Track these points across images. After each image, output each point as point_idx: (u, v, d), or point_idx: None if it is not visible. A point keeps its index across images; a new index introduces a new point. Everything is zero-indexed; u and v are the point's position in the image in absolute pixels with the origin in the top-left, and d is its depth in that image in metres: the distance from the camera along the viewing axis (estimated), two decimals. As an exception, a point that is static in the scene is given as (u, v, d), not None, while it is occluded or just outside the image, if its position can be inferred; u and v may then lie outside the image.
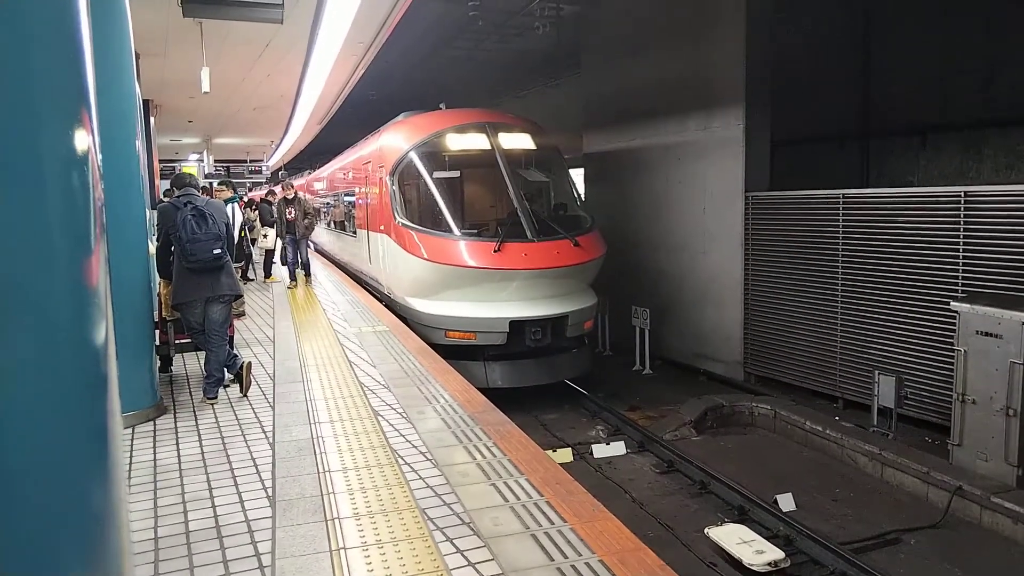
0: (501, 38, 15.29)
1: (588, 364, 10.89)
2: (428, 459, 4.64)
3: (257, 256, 15.15)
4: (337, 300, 11.90)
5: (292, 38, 9.42)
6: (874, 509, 6.97)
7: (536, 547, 3.40)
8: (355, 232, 14.97)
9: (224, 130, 20.20)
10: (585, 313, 10.36)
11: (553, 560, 3.28)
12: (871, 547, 6.24)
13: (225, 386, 6.45)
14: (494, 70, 18.61)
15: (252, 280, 14.47)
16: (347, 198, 16.72)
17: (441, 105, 12.05)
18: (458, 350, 9.67)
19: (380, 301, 11.82)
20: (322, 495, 4.09)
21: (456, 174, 10.90)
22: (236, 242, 9.53)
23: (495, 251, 9.56)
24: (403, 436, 5.10)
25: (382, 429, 5.26)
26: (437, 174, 10.58)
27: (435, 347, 8.28)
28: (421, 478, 4.32)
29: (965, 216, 7.96)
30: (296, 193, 13.22)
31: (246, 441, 5.14)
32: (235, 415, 5.78)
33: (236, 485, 4.31)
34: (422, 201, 10.86)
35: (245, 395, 6.31)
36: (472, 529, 3.62)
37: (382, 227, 11.46)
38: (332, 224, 19.48)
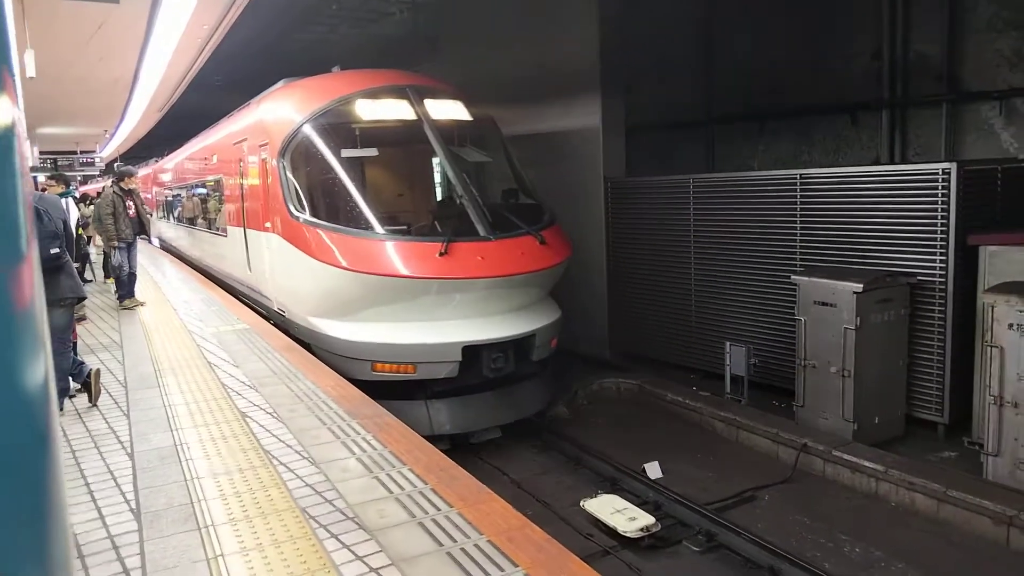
0: (356, 23, 14.93)
1: (551, 393, 8.83)
2: (305, 458, 4.50)
3: (96, 255, 14.04)
4: (189, 298, 11.24)
5: (129, 19, 8.73)
6: (732, 470, 7.47)
7: (424, 534, 3.40)
8: (224, 230, 12.16)
9: (51, 119, 18.46)
10: (553, 329, 8.35)
11: (443, 545, 3.28)
12: (731, 505, 6.70)
13: (71, 396, 5.95)
14: (349, 55, 18.12)
15: (91, 281, 13.41)
16: (201, 190, 14.39)
17: (334, 68, 9.67)
18: (390, 387, 7.44)
19: (267, 320, 9.38)
20: (192, 503, 3.87)
21: (372, 152, 8.50)
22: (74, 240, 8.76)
23: (441, 254, 7.34)
24: (275, 436, 4.92)
25: (252, 431, 5.05)
26: (346, 152, 8.20)
27: (357, 383, 6.29)
28: (299, 477, 4.19)
29: (801, 196, 8.66)
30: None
31: (100, 453, 4.77)
32: (85, 427, 5.34)
33: (94, 500, 3.99)
34: (327, 189, 8.40)
35: (95, 404, 5.84)
36: (357, 523, 3.56)
37: (267, 224, 8.97)
38: (189, 220, 16.76)
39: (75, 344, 6.44)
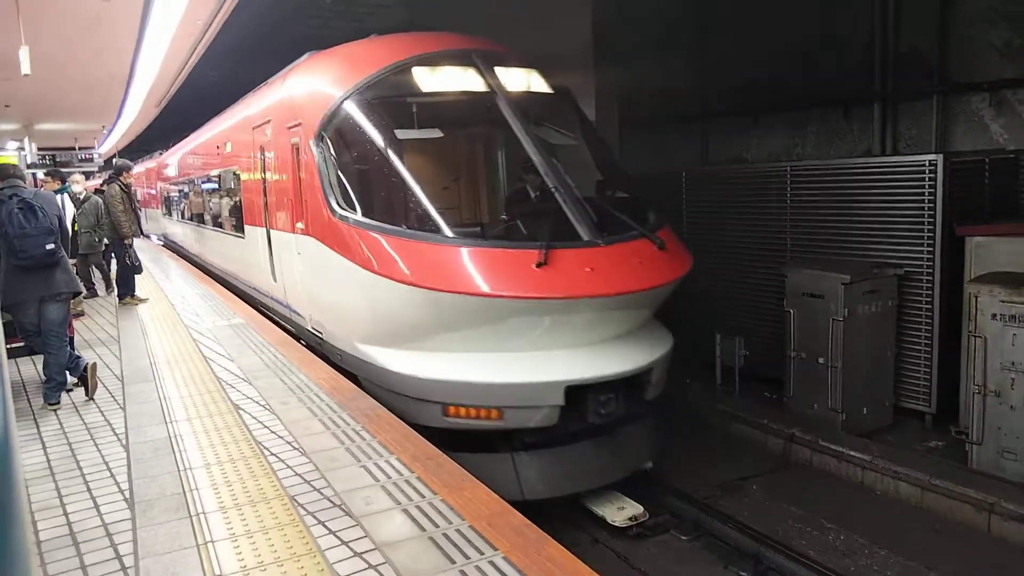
0: (352, 17, 14.97)
1: (663, 437, 6.88)
2: (295, 448, 4.60)
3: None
4: (186, 294, 11.35)
5: (123, 14, 8.78)
6: (721, 460, 7.57)
7: (408, 520, 3.50)
8: (240, 230, 10.54)
9: (48, 115, 18.49)
10: (668, 360, 6.54)
11: (425, 530, 3.39)
12: (719, 495, 6.80)
13: (68, 390, 6.06)
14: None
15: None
16: (212, 183, 13.15)
17: (372, 36, 7.87)
18: (466, 437, 5.75)
19: (297, 339, 7.97)
20: (184, 492, 3.98)
21: (436, 133, 6.86)
22: (71, 236, 8.84)
23: (539, 265, 5.54)
24: (267, 428, 5.02)
25: (244, 422, 5.15)
26: (403, 133, 6.56)
27: (422, 430, 5.03)
28: (289, 467, 4.29)
29: (791, 189, 8.73)
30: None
31: (96, 445, 4.87)
32: (82, 419, 5.45)
33: (89, 490, 4.10)
34: (383, 181, 6.58)
35: (91, 398, 5.95)
36: (344, 510, 3.66)
37: (299, 224, 7.34)
38: (197, 217, 15.47)
39: (72, 338, 6.53)
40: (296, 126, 7.36)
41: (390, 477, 4.03)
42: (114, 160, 14.93)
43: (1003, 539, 5.72)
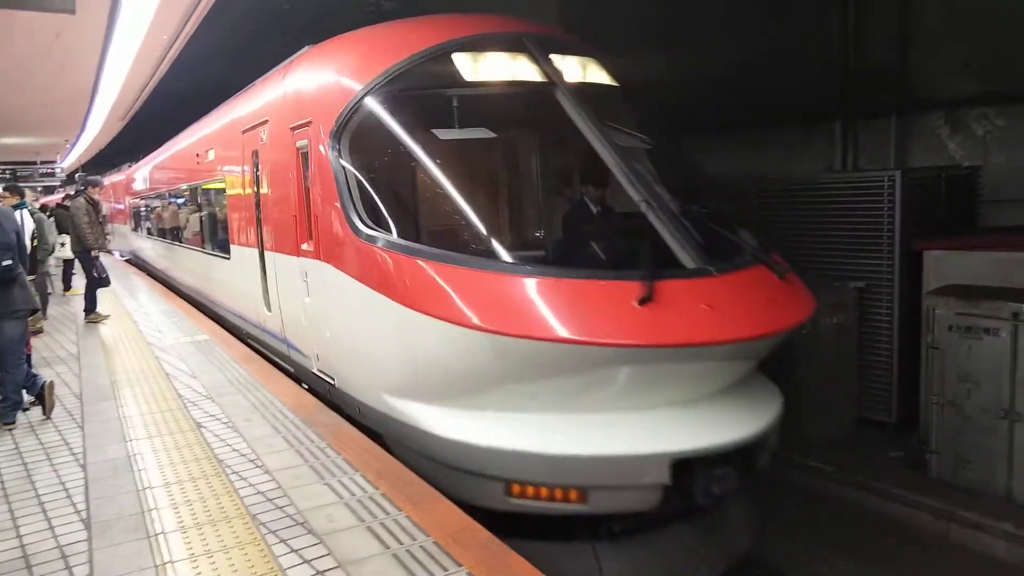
0: (325, 30, 14.94)
1: (763, 516, 5.51)
2: (258, 466, 4.55)
3: (55, 267, 13.86)
4: (150, 311, 11.18)
5: (87, 29, 8.69)
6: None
7: (371, 537, 3.47)
8: (225, 250, 9.24)
9: (9, 129, 18.18)
10: (779, 421, 4.97)
11: (389, 548, 3.37)
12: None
13: (25, 409, 5.92)
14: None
15: (50, 293, 13.23)
16: (187, 196, 12.11)
17: None
18: (532, 520, 4.42)
19: (298, 382, 6.74)
20: (143, 512, 3.91)
21: (486, 133, 5.52)
22: (29, 252, 8.65)
23: (641, 301, 4.18)
24: (230, 446, 4.96)
25: (206, 440, 5.08)
26: (446, 133, 5.24)
27: (475, 514, 3.86)
28: (251, 485, 4.24)
29: (753, 204, 8.87)
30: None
31: (52, 465, 4.77)
32: (38, 439, 5.33)
33: (44, 512, 4.00)
34: (424, 193, 5.37)
35: (48, 417, 5.82)
36: (306, 529, 3.62)
37: (305, 246, 6.10)
38: (171, 234, 14.16)
39: (29, 356, 6.39)
40: (303, 126, 6.05)
41: (354, 494, 4.00)
42: (76, 175, 14.71)
43: (962, 546, 5.83)
